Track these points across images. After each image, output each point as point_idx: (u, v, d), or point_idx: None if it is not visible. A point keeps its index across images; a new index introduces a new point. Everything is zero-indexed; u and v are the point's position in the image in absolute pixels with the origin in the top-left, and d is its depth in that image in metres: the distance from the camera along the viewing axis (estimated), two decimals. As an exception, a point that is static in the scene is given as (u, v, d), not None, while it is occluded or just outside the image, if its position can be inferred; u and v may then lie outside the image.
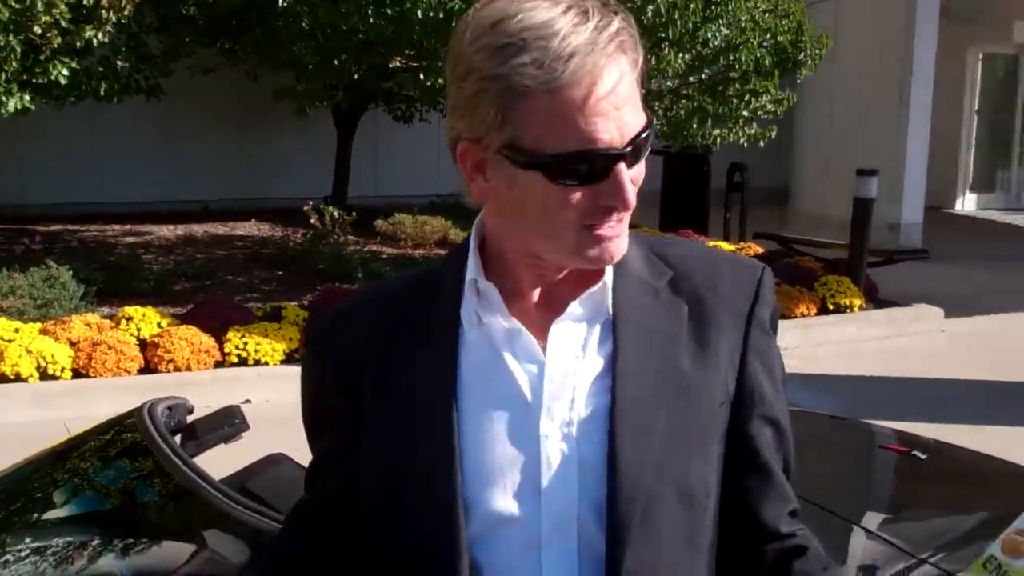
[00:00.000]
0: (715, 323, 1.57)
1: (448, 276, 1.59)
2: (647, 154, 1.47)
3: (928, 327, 10.45)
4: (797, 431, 1.68)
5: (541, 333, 1.53)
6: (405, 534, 1.53)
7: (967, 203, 19.68)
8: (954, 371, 9.02)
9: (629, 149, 1.42)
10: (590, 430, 1.50)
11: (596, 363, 1.53)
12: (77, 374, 7.75)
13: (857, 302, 10.29)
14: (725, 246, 12.13)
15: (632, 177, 1.45)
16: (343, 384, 1.59)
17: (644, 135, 1.44)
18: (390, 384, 1.56)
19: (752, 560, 1.62)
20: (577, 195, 1.43)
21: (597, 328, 1.55)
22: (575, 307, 1.53)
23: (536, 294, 1.56)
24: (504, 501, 1.49)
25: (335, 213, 11.86)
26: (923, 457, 3.76)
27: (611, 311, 1.54)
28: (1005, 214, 19.03)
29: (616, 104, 1.40)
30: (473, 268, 1.55)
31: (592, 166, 1.42)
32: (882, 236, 13.07)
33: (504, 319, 1.53)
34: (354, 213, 12.05)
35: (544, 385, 1.51)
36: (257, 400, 7.74)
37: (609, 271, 1.55)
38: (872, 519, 3.35)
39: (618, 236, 1.48)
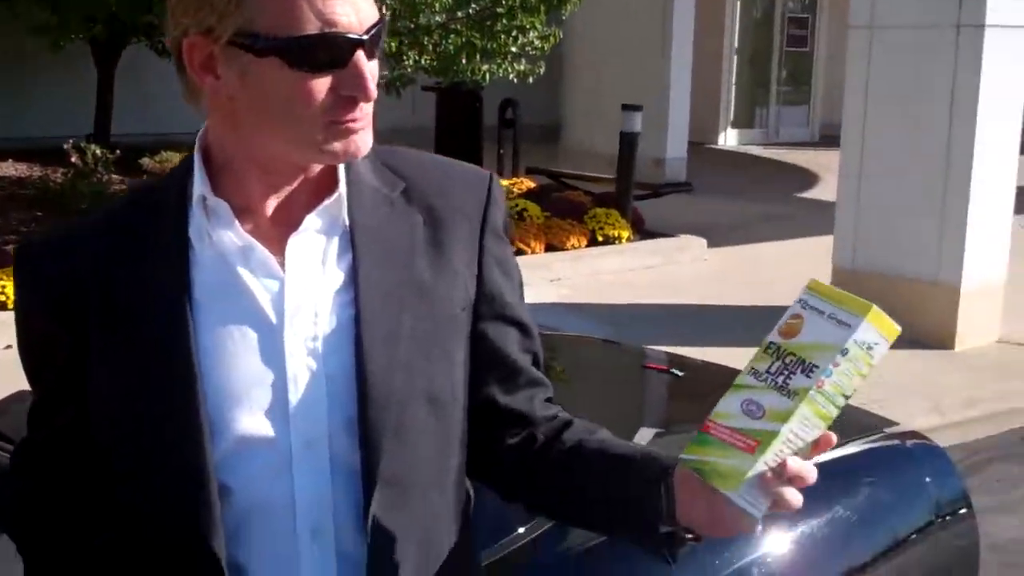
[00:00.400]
0: (449, 230, 1.58)
1: (172, 193, 1.53)
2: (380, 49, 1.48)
3: (692, 256, 10.85)
4: (573, 355, 1.73)
5: (278, 249, 1.50)
6: (150, 463, 1.49)
7: (728, 139, 20.36)
8: (719, 297, 9.40)
9: (367, 37, 1.42)
10: (336, 343, 1.48)
11: (337, 276, 1.51)
12: None
13: (625, 234, 10.58)
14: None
15: (371, 70, 1.44)
16: (64, 315, 1.51)
17: (378, 28, 1.45)
18: (119, 311, 1.49)
19: (521, 449, 1.64)
20: (318, 83, 1.41)
21: (336, 240, 1.53)
22: (312, 220, 1.51)
23: (269, 208, 1.52)
24: (251, 421, 1.46)
25: (97, 151, 11.45)
26: (680, 375, 3.94)
27: (347, 223, 1.53)
28: (764, 149, 19.78)
29: None
30: (200, 183, 1.50)
31: (331, 51, 1.40)
32: (648, 171, 13.43)
33: (236, 236, 1.49)
34: (118, 151, 11.66)
35: (285, 301, 1.48)
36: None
37: (343, 184, 1.53)
38: (642, 436, 3.49)
39: (363, 130, 1.46)
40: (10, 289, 7.78)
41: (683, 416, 3.87)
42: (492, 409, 1.63)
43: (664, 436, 3.59)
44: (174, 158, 12.68)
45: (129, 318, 1.49)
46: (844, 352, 1.38)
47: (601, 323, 8.19)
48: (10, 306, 7.73)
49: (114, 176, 11.76)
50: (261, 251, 1.49)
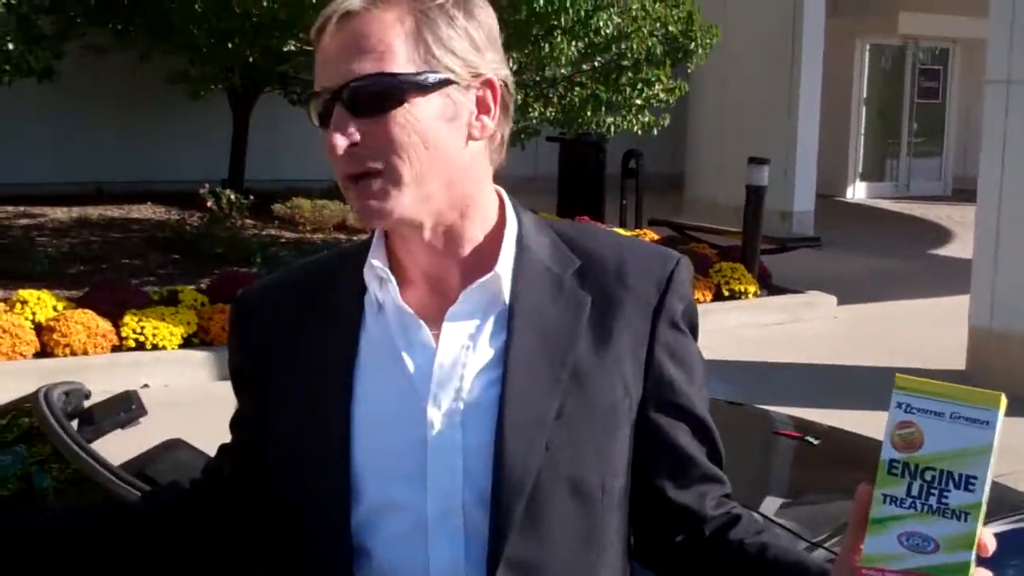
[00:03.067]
0: (621, 316, 1.54)
1: (357, 260, 1.59)
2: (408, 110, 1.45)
3: (821, 314, 10.67)
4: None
5: (436, 322, 1.52)
6: (298, 515, 1.55)
7: (857, 191, 20.10)
8: (847, 357, 9.20)
9: (340, 91, 1.44)
10: (477, 420, 1.49)
11: (487, 353, 1.52)
12: (-30, 359, 7.58)
13: (751, 289, 10.47)
14: (621, 232, 12.26)
15: (373, 130, 1.44)
16: (255, 361, 1.62)
17: (364, 82, 1.43)
18: (298, 363, 1.57)
19: (688, 543, 1.60)
20: (325, 140, 1.46)
21: (492, 318, 1.53)
22: (467, 296, 1.52)
23: (424, 279, 1.56)
24: (390, 487, 1.49)
25: (232, 196, 11.73)
26: (816, 443, 3.84)
27: (508, 301, 1.53)
28: (894, 202, 19.46)
29: (341, 50, 1.45)
30: (375, 251, 1.56)
31: (318, 106, 1.47)
32: (775, 224, 13.32)
33: (399, 306, 1.53)
34: (251, 197, 11.94)
35: (433, 373, 1.50)
36: (155, 385, 7.65)
37: (506, 260, 1.54)
38: (769, 505, 3.42)
39: (367, 196, 1.47)
40: (149, 330, 8.02)
41: (816, 486, 3.80)
42: (660, 502, 1.59)
43: (792, 507, 3.53)
44: (304, 205, 12.93)
45: (303, 373, 1.56)
46: (992, 450, 1.28)
47: (725, 381, 8.08)
48: (148, 346, 7.96)
49: (248, 221, 12.03)
50: (418, 323, 1.53)
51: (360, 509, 1.49)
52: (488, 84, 1.51)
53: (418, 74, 1.44)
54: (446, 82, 1.46)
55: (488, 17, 1.52)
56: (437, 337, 1.52)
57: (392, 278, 1.53)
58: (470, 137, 1.50)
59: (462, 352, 1.52)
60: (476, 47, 1.49)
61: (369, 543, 1.50)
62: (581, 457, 1.50)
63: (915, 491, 1.29)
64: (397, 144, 1.44)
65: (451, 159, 1.48)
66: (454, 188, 1.50)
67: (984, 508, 1.28)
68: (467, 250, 1.55)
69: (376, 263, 1.54)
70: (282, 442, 1.56)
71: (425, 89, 1.45)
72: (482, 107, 1.51)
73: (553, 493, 1.48)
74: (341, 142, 1.44)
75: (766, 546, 1.57)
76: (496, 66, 1.52)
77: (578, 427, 1.50)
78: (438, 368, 1.50)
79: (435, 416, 1.49)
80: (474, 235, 1.55)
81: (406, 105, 1.44)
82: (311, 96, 1.47)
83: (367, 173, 1.46)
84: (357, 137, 1.44)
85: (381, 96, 1.43)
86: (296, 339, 1.58)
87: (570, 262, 1.57)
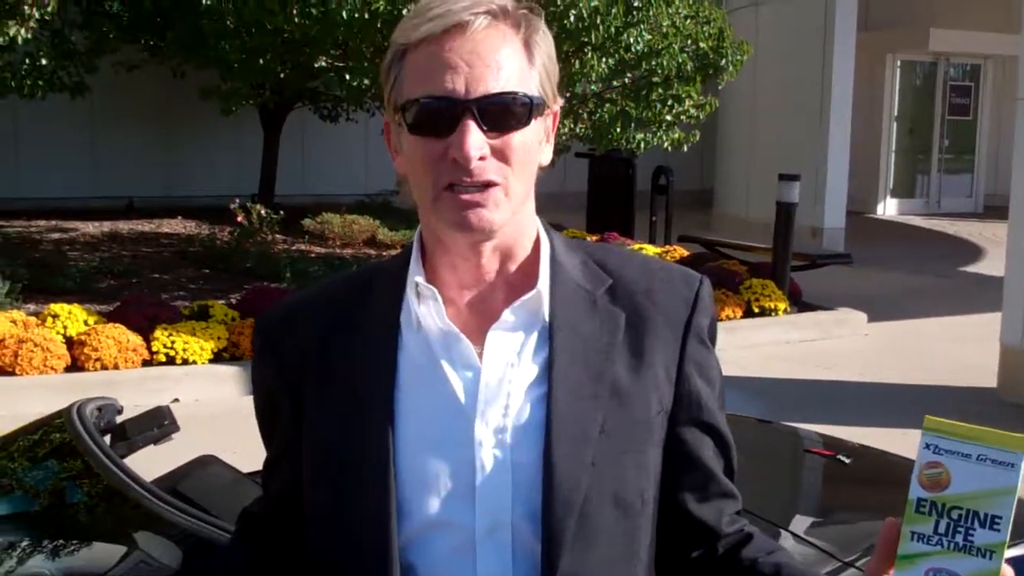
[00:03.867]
0: (652, 333, 1.58)
1: (392, 275, 1.60)
2: (527, 129, 1.49)
3: (852, 331, 10.61)
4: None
5: (478, 339, 1.54)
6: (341, 536, 1.54)
7: (888, 208, 20.02)
8: (877, 375, 9.17)
9: (474, 102, 1.45)
10: (525, 437, 1.51)
11: (531, 370, 1.54)
12: (3, 372, 7.63)
13: (782, 306, 10.42)
14: (651, 249, 12.24)
15: (499, 146, 1.47)
16: (288, 383, 1.60)
17: (502, 98, 1.46)
18: (332, 384, 1.56)
19: (702, 559, 1.64)
20: (430, 147, 1.47)
21: (534, 336, 1.55)
22: (508, 315, 1.54)
23: (471, 298, 1.57)
24: (438, 505, 1.50)
25: (262, 211, 11.79)
26: (847, 461, 3.82)
27: (547, 319, 1.55)
28: (925, 219, 19.37)
29: (469, 61, 1.45)
30: (415, 269, 1.57)
31: (434, 112, 1.46)
32: (805, 240, 13.27)
33: (442, 323, 1.54)
34: (281, 212, 12.00)
35: (479, 391, 1.52)
36: (186, 399, 7.68)
37: (544, 279, 1.57)
38: (799, 523, 3.40)
39: (480, 205, 1.48)
40: (179, 344, 8.04)
41: (848, 505, 3.77)
42: (682, 516, 1.63)
43: (823, 526, 3.50)
44: (334, 220, 12.98)
45: (339, 392, 1.56)
46: (1016, 491, 1.33)
47: (755, 398, 8.08)
48: (178, 361, 7.99)
49: (278, 236, 12.08)
50: (464, 341, 1.53)
51: (407, 528, 1.50)
52: (551, 112, 1.57)
53: (539, 97, 1.50)
54: (545, 107, 1.53)
55: (552, 43, 1.58)
56: (479, 354, 1.53)
57: (439, 297, 1.54)
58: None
59: (507, 369, 1.53)
60: (555, 75, 1.56)
61: (417, 561, 1.51)
62: (623, 471, 1.53)
63: (942, 529, 1.34)
64: (515, 162, 1.49)
65: (531, 179, 1.54)
66: (527, 207, 1.57)
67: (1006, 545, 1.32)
68: (512, 268, 1.58)
69: (420, 281, 1.55)
70: (322, 464, 1.56)
71: (540, 112, 1.52)
72: (547, 132, 1.58)
73: (599, 507, 1.51)
74: (475, 152, 1.45)
75: (780, 567, 1.60)
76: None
77: (619, 442, 1.53)
78: (484, 386, 1.52)
79: (483, 434, 1.51)
80: (520, 253, 1.58)
81: (528, 126, 1.49)
82: (419, 100, 1.47)
83: (483, 185, 1.48)
84: (487, 151, 1.47)
85: (516, 115, 1.48)
86: (328, 359, 1.58)
87: (601, 280, 1.61)
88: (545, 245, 1.60)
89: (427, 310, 1.55)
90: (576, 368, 1.53)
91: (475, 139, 1.44)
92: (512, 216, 1.51)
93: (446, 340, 1.54)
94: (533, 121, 1.50)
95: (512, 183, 1.49)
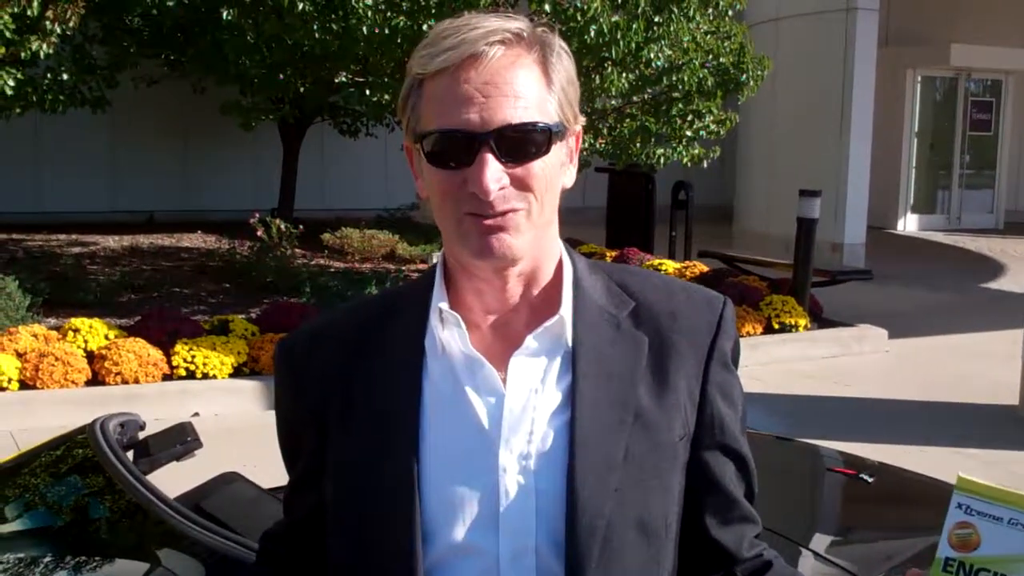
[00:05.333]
0: (675, 356, 1.58)
1: (415, 301, 1.60)
2: (546, 157, 1.49)
3: (872, 347, 10.55)
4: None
5: (501, 365, 1.53)
6: (366, 561, 1.54)
7: (909, 223, 19.95)
8: (897, 391, 9.12)
9: (490, 134, 1.44)
10: (549, 463, 1.50)
11: (555, 396, 1.53)
12: (24, 385, 7.66)
13: (802, 322, 10.39)
14: (670, 264, 12.22)
15: (519, 175, 1.47)
16: (312, 409, 1.60)
17: (519, 129, 1.46)
18: (356, 410, 1.56)
19: None
20: (449, 178, 1.47)
21: (557, 361, 1.55)
22: (531, 341, 1.54)
23: (494, 324, 1.57)
24: (463, 531, 1.50)
25: (282, 226, 11.82)
26: (870, 480, 3.80)
27: (570, 344, 1.55)
28: (946, 235, 19.30)
29: (485, 92, 1.44)
30: (438, 294, 1.57)
31: (451, 145, 1.46)
32: (826, 256, 13.23)
33: (466, 349, 1.54)
34: (301, 226, 12.01)
35: (503, 418, 1.51)
36: (206, 413, 7.69)
37: (567, 304, 1.56)
38: (820, 542, 3.38)
39: (502, 230, 1.48)
40: (199, 359, 8.06)
41: (870, 524, 3.75)
42: (701, 540, 1.62)
43: (846, 544, 3.48)
44: (353, 235, 12.99)
45: (364, 418, 1.55)
46: None
47: (774, 415, 8.05)
48: (198, 375, 8.00)
49: (297, 251, 12.10)
50: (486, 367, 1.53)
51: (432, 553, 1.50)
52: (574, 132, 1.56)
53: (558, 124, 1.49)
54: (565, 131, 1.52)
55: (572, 63, 1.56)
56: (503, 380, 1.53)
57: (462, 324, 1.54)
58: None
59: (531, 395, 1.53)
60: (576, 95, 1.55)
61: None
62: (647, 497, 1.53)
63: None
64: (536, 189, 1.48)
65: (555, 203, 1.54)
66: (551, 230, 1.57)
67: None
68: (535, 292, 1.58)
69: (444, 307, 1.55)
70: (347, 489, 1.55)
71: (560, 138, 1.51)
72: (570, 154, 1.57)
73: (623, 533, 1.50)
74: (494, 185, 1.45)
75: None
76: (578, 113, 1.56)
77: (644, 467, 1.53)
78: (508, 412, 1.52)
79: (507, 460, 1.50)
80: (543, 277, 1.58)
81: (548, 153, 1.49)
82: (437, 133, 1.47)
83: (504, 212, 1.47)
84: (507, 181, 1.46)
85: (534, 144, 1.47)
86: (352, 384, 1.58)
87: (624, 304, 1.60)
88: (568, 268, 1.60)
89: (451, 336, 1.55)
90: (600, 394, 1.53)
91: (492, 172, 1.44)
92: (535, 241, 1.51)
93: (470, 366, 1.54)
94: (553, 147, 1.49)
95: (534, 208, 1.49)
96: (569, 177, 1.57)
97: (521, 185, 1.47)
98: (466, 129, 1.44)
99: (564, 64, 1.52)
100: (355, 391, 1.57)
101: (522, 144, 1.46)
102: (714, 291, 1.68)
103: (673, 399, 1.56)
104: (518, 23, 1.49)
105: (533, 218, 1.49)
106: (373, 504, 1.52)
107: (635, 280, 1.64)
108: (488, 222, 1.47)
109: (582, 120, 1.57)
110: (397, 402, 1.54)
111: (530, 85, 1.47)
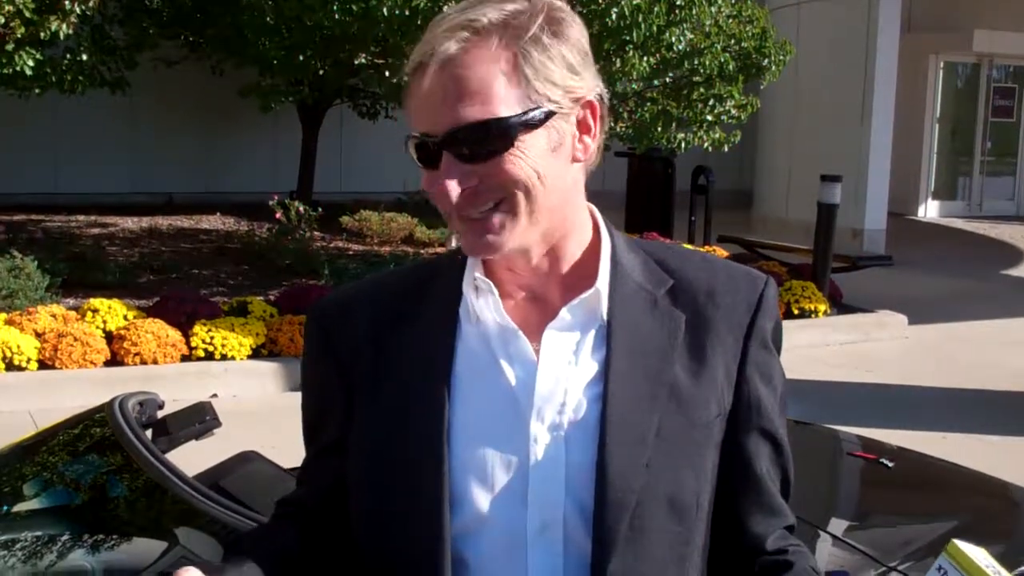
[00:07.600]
0: (713, 334, 1.55)
1: (450, 270, 1.59)
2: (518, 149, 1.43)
3: (892, 333, 10.52)
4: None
5: (535, 336, 1.52)
6: (390, 529, 1.52)
7: (929, 210, 19.87)
8: (917, 378, 9.09)
9: (443, 140, 1.42)
10: (580, 435, 1.48)
11: (589, 369, 1.52)
12: (43, 365, 7.68)
13: (822, 307, 10.35)
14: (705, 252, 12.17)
15: (490, 172, 1.43)
16: (341, 374, 1.58)
17: (472, 128, 1.41)
18: (385, 377, 1.55)
19: (739, 573, 1.61)
20: (431, 178, 1.45)
21: (591, 334, 1.53)
22: (565, 313, 1.52)
23: (529, 296, 1.56)
24: (490, 500, 1.48)
25: (301, 208, 11.82)
26: (891, 465, 3.78)
27: (605, 318, 1.53)
28: (967, 222, 19.21)
29: (438, 94, 1.41)
30: (473, 264, 1.55)
31: (418, 149, 1.45)
32: (845, 242, 13.17)
33: (500, 318, 1.52)
34: (320, 209, 12.02)
35: (536, 388, 1.50)
36: (224, 395, 7.71)
37: (604, 278, 1.54)
38: (839, 525, 3.37)
39: (487, 230, 1.46)
40: (218, 340, 8.07)
41: (890, 508, 3.73)
42: (731, 523, 1.60)
43: (866, 529, 3.47)
44: (372, 218, 12.99)
45: (393, 385, 1.54)
46: None
47: (794, 400, 7.99)
48: (217, 356, 8.01)
49: (316, 233, 12.11)
50: (521, 337, 1.52)
51: (459, 520, 1.49)
52: (588, 105, 1.49)
53: (524, 113, 1.42)
54: (550, 114, 1.44)
55: (579, 33, 1.49)
56: (536, 351, 1.51)
57: (495, 291, 1.53)
58: (573, 159, 1.50)
59: (564, 367, 1.52)
60: (574, 71, 1.46)
61: (467, 554, 1.49)
62: (679, 475, 1.50)
63: None
64: (511, 182, 1.43)
65: (558, 186, 1.47)
66: (561, 211, 1.51)
67: None
68: (567, 267, 1.55)
69: (479, 275, 1.54)
70: (376, 453, 1.53)
71: (532, 126, 1.43)
72: (583, 128, 1.50)
73: (653, 510, 1.48)
74: (454, 190, 1.43)
75: None
76: (593, 83, 1.50)
77: (676, 445, 1.51)
78: (541, 383, 1.50)
79: (538, 430, 1.49)
80: (573, 252, 1.55)
81: (516, 144, 1.42)
82: (409, 138, 1.45)
83: (485, 212, 1.45)
84: (472, 182, 1.43)
85: (490, 141, 1.42)
86: (384, 350, 1.56)
87: (662, 281, 1.58)
88: (606, 243, 1.58)
89: (484, 304, 1.54)
90: (634, 369, 1.51)
91: (452, 176, 1.42)
92: (533, 227, 1.47)
93: (503, 335, 1.52)
94: (527, 136, 1.42)
95: (520, 201, 1.44)
96: (582, 152, 1.50)
97: (494, 181, 1.43)
98: (425, 132, 1.43)
99: (555, 38, 1.45)
100: (387, 357, 1.56)
101: (480, 143, 1.41)
102: (757, 270, 1.65)
103: (709, 377, 1.53)
104: (494, 12, 1.43)
105: (520, 211, 1.44)
106: (400, 471, 1.51)
107: (675, 258, 1.62)
108: (472, 222, 1.45)
109: (597, 88, 1.50)
110: (429, 367, 1.52)
111: (486, 79, 1.41)
